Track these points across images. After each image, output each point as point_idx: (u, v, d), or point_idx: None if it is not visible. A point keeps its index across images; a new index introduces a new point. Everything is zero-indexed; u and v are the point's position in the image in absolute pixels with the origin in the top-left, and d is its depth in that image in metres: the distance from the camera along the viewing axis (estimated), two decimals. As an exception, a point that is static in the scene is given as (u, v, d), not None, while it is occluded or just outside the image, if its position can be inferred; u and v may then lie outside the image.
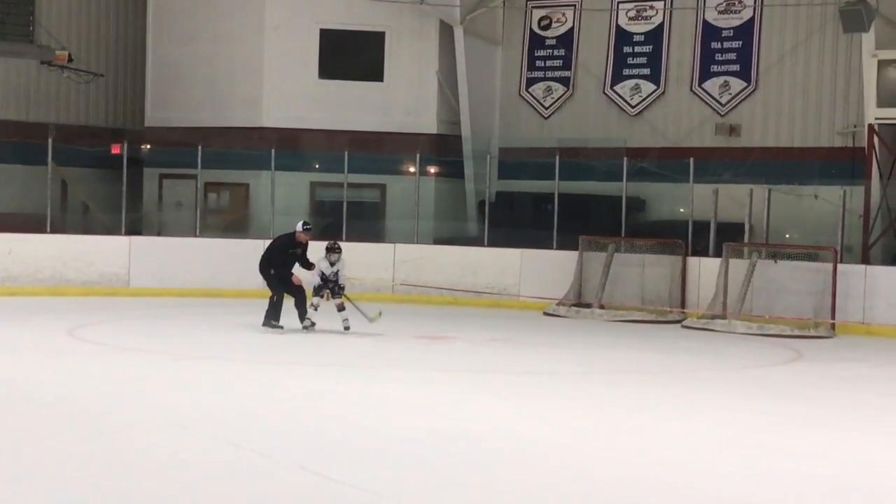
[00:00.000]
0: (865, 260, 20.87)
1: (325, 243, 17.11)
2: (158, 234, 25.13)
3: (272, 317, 16.74)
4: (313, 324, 16.78)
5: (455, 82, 25.91)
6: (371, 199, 25.98)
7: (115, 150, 24.07)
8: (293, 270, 17.03)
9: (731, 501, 7.78)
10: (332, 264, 16.68)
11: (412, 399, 11.68)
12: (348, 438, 9.48)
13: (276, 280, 16.94)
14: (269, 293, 17.04)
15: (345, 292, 16.76)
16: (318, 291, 16.75)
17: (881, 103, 21.19)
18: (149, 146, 26.12)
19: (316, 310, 16.77)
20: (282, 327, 16.65)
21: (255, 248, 21.33)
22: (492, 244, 23.13)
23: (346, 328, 16.63)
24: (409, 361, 14.73)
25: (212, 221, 25.38)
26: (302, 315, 16.86)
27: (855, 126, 22.55)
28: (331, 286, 16.67)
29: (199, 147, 23.75)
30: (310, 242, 17.28)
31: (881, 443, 10.19)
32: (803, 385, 13.89)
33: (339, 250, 16.77)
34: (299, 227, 17.10)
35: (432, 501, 7.50)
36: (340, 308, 16.71)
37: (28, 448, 8.86)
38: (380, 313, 16.48)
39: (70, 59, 25.05)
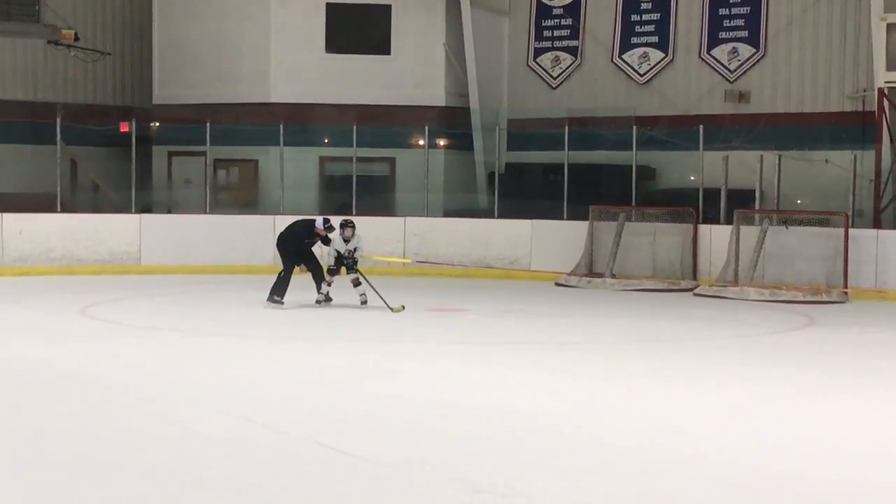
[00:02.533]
0: (877, 224, 20.82)
1: (337, 219, 17.11)
2: (169, 211, 25.14)
3: (276, 292, 16.74)
4: (329, 299, 16.81)
5: (462, 54, 25.85)
6: (380, 173, 25.98)
7: (124, 128, 24.05)
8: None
9: (745, 468, 7.77)
10: (346, 241, 16.67)
11: (425, 372, 11.69)
12: (362, 412, 9.49)
13: (288, 257, 16.95)
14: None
15: (359, 271, 16.73)
16: (333, 272, 16.77)
17: (890, 67, 21.11)
18: (157, 124, 26.13)
19: (330, 285, 16.79)
20: (282, 303, 16.64)
21: (265, 225, 21.45)
22: (502, 216, 23.10)
23: (363, 303, 16.62)
24: (421, 334, 14.73)
25: (221, 198, 25.40)
26: (319, 288, 16.92)
27: (864, 90, 22.46)
28: (346, 262, 16.67)
29: (208, 124, 23.75)
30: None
31: (894, 407, 10.17)
32: (816, 351, 13.87)
33: (352, 226, 16.76)
34: (320, 223, 17.01)
35: (447, 474, 7.51)
36: (356, 283, 16.70)
37: (42, 425, 8.89)
38: (403, 307, 16.39)
39: (76, 38, 25.00)
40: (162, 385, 10.75)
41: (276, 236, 17.63)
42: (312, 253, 17.09)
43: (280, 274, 16.89)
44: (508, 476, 7.46)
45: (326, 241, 17.02)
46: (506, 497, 6.97)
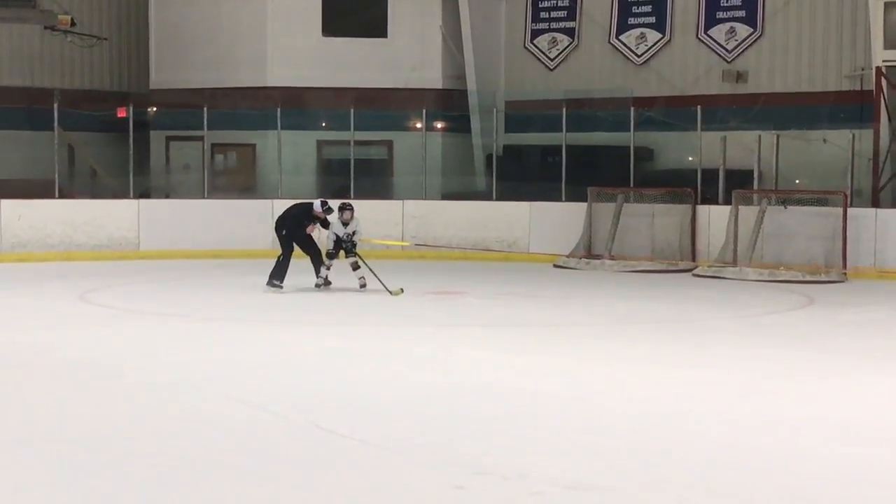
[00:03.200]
0: (875, 203, 20.81)
1: (336, 202, 17.10)
2: (167, 196, 25.15)
3: (275, 276, 16.74)
4: (328, 283, 16.82)
5: (459, 36, 25.81)
6: (378, 157, 25.97)
7: (121, 113, 24.02)
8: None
9: (746, 448, 7.78)
10: (345, 224, 16.67)
11: (424, 355, 11.69)
12: (360, 395, 9.50)
13: (287, 241, 16.95)
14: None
15: (357, 254, 16.74)
16: (332, 256, 16.77)
17: (888, 45, 21.06)
18: (154, 109, 26.10)
19: (328, 269, 16.80)
20: (281, 287, 16.64)
21: (263, 209, 21.45)
22: (500, 198, 23.09)
23: (363, 286, 16.63)
24: (420, 317, 14.74)
25: (219, 183, 25.39)
26: (318, 272, 16.94)
27: (863, 69, 22.40)
28: (345, 245, 16.67)
29: (205, 108, 23.73)
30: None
31: (893, 386, 10.18)
32: (816, 331, 13.88)
33: (351, 209, 16.76)
34: (318, 205, 17.00)
35: (447, 456, 7.52)
36: (355, 267, 16.70)
37: (43, 410, 8.90)
38: (402, 290, 16.38)
39: (73, 24, 24.96)
40: (161, 369, 10.76)
41: (275, 220, 17.62)
42: (311, 237, 17.09)
43: (279, 258, 16.89)
44: (509, 458, 7.47)
45: (325, 224, 17.02)
46: (507, 479, 6.98)
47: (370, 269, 16.51)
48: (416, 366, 11.02)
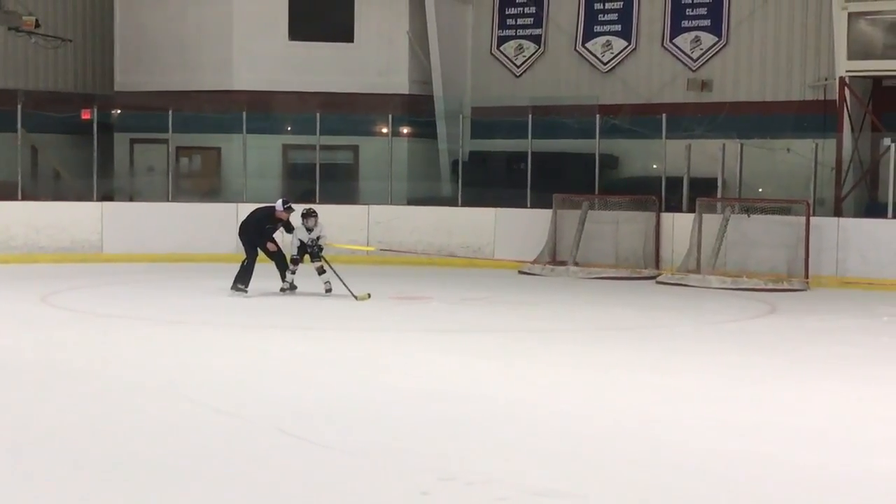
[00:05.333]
0: (838, 212, 20.95)
1: (300, 208, 17.09)
2: (131, 199, 25.02)
3: (240, 281, 16.71)
4: (294, 287, 16.81)
5: (426, 42, 25.83)
6: (344, 161, 25.93)
7: (85, 115, 23.87)
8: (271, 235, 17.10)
9: (710, 454, 7.82)
10: (309, 230, 16.66)
11: (389, 360, 11.69)
12: (325, 400, 9.49)
13: (251, 245, 16.94)
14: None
15: (323, 258, 16.74)
16: (296, 261, 16.77)
17: (851, 56, 21.22)
18: (119, 111, 25.96)
19: (293, 273, 16.79)
20: (246, 292, 16.61)
21: (228, 212, 21.37)
22: (466, 204, 23.11)
23: (328, 291, 16.62)
24: (385, 322, 14.72)
25: (184, 186, 25.29)
26: (283, 276, 16.95)
27: (826, 79, 22.57)
28: (309, 250, 16.68)
29: (170, 111, 23.64)
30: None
31: (856, 394, 10.25)
32: (778, 338, 13.96)
33: (315, 215, 16.75)
34: (279, 205, 17.01)
35: (410, 462, 7.52)
36: (320, 271, 16.70)
37: (5, 415, 8.84)
38: (368, 295, 16.36)
39: (37, 25, 24.77)
40: (124, 372, 10.70)
41: (239, 225, 17.59)
42: (275, 240, 17.07)
43: (243, 263, 16.86)
44: (474, 463, 7.48)
45: (289, 228, 17.01)
46: (472, 484, 6.99)
47: (336, 274, 16.49)
48: (381, 371, 11.01)
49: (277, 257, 17.04)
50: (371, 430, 8.42)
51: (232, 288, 16.69)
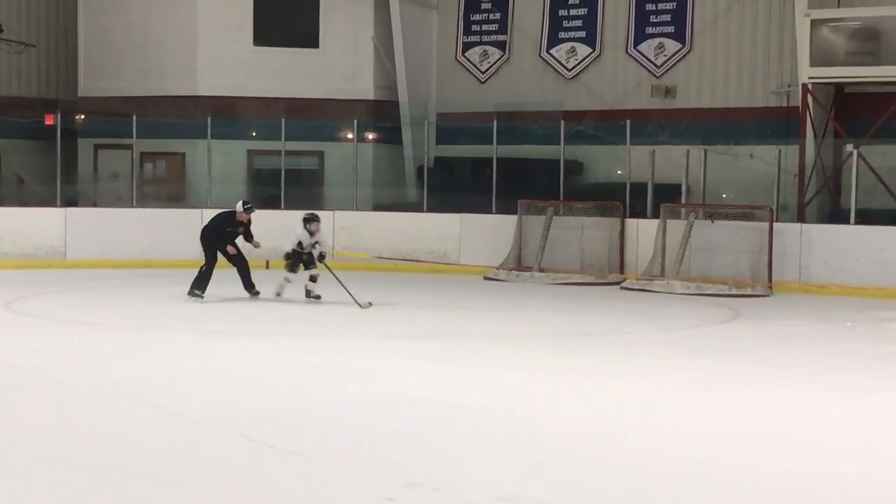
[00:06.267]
0: (801, 218, 21.08)
1: (268, 212, 17.07)
2: (94, 205, 24.89)
3: (197, 286, 16.66)
4: (279, 294, 16.75)
5: (391, 48, 25.85)
6: (309, 167, 25.91)
7: (49, 120, 23.74)
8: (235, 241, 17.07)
9: (674, 460, 7.86)
10: (311, 234, 16.56)
11: (353, 366, 11.68)
12: (289, 406, 9.47)
13: (210, 251, 16.91)
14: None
15: (326, 266, 16.64)
16: (293, 267, 16.61)
17: (814, 63, 21.37)
18: (83, 116, 25.85)
19: (289, 282, 16.67)
20: (202, 298, 16.57)
21: (192, 218, 21.30)
22: (431, 209, 23.13)
23: (316, 298, 16.49)
24: (349, 328, 14.71)
25: (148, 192, 25.19)
26: (246, 284, 16.90)
27: (789, 86, 22.74)
28: (305, 257, 16.56)
29: (134, 116, 23.55)
30: (257, 214, 17.28)
31: (819, 399, 10.32)
32: (742, 344, 14.03)
33: (318, 220, 16.66)
34: (239, 206, 17.02)
35: (374, 469, 7.52)
36: (314, 279, 16.59)
37: (-33, 423, 8.79)
38: (370, 303, 16.30)
39: (1, 30, 24.65)
40: (87, 379, 10.66)
41: (201, 230, 17.55)
42: (236, 244, 16.99)
43: (201, 268, 16.81)
44: (439, 469, 7.49)
45: (248, 235, 16.98)
46: (436, 490, 7.00)
47: (340, 282, 16.38)
48: (346, 377, 11.01)
49: (238, 262, 17.00)
50: (335, 437, 8.41)
51: (188, 294, 16.64)
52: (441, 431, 8.64)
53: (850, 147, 20.76)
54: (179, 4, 25.68)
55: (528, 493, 7.00)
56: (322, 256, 16.65)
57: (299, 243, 16.59)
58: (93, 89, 26.16)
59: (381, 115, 25.91)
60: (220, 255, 16.96)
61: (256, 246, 17.10)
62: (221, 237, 16.94)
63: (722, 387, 10.81)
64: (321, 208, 23.31)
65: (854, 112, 21.98)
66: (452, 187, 23.69)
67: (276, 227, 18.54)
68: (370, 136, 25.81)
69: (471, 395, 10.17)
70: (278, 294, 16.83)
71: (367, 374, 11.24)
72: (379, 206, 24.35)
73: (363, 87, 26.08)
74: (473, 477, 7.31)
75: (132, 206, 23.28)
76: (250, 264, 17.29)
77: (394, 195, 25.45)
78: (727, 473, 7.56)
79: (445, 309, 16.81)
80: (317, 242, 16.65)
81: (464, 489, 7.02)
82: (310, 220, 16.68)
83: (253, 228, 17.22)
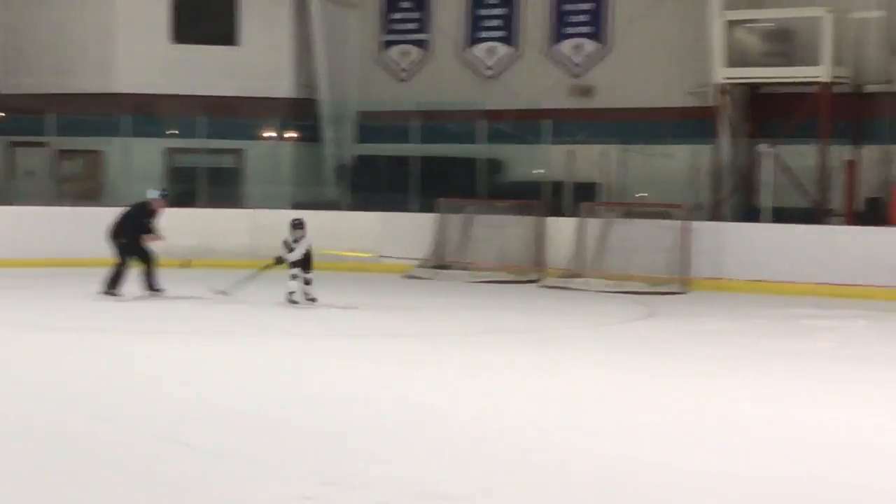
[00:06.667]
0: (716, 217, 21.38)
1: (180, 209, 16.93)
2: (10, 203, 24.56)
3: (112, 285, 16.52)
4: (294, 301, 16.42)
5: (311, 46, 25.80)
6: (229, 165, 25.78)
7: (-36, 118, 23.45)
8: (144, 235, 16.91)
9: (591, 456, 7.95)
10: (295, 241, 16.32)
11: (274, 364, 11.68)
12: (206, 405, 9.45)
13: (124, 248, 16.74)
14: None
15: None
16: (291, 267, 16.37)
17: (729, 63, 21.68)
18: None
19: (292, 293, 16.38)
20: (120, 296, 16.44)
21: (110, 217, 21.04)
22: (352, 208, 23.14)
23: (293, 301, 16.32)
24: (270, 327, 14.69)
25: (66, 189, 24.93)
26: (149, 282, 16.74)
27: (705, 86, 22.96)
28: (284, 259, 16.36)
29: (51, 114, 23.29)
30: (174, 212, 17.15)
31: (735, 396, 10.48)
32: (658, 341, 14.21)
33: (301, 226, 16.41)
34: (155, 194, 16.89)
35: (293, 467, 7.54)
36: (295, 278, 16.39)
37: None
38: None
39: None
40: (5, 380, 10.56)
41: (110, 228, 17.19)
42: (144, 240, 16.78)
43: (115, 266, 16.65)
44: (358, 468, 7.52)
45: (155, 233, 16.72)
46: (354, 489, 7.03)
47: (246, 279, 16.28)
48: (266, 376, 11.01)
49: (147, 256, 16.79)
50: (253, 435, 8.42)
51: (103, 292, 16.47)
52: (361, 429, 8.67)
53: (764, 147, 21.10)
54: (97, 1, 25.44)
55: (446, 490, 7.05)
56: (279, 260, 16.47)
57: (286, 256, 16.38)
58: (8, 86, 25.81)
59: (301, 114, 25.86)
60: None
61: (161, 239, 16.85)
62: (137, 228, 16.74)
63: (639, 383, 10.95)
64: (241, 207, 23.33)
65: (768, 112, 22.30)
66: (373, 186, 23.70)
67: (194, 226, 18.45)
68: (290, 134, 25.75)
69: (390, 393, 10.22)
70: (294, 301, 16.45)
71: (287, 372, 11.24)
72: (299, 205, 24.22)
73: (283, 85, 26.00)
74: (392, 475, 7.36)
75: (49, 205, 23.00)
76: (170, 263, 17.16)
77: (314, 194, 25.40)
78: (648, 472, 7.66)
79: (366, 308, 16.83)
80: (297, 241, 16.41)
81: (382, 487, 7.06)
82: (296, 227, 16.48)
83: (171, 227, 17.08)
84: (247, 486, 7.12)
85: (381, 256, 21.26)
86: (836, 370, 12.02)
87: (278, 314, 15.82)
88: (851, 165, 21.28)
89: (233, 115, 25.08)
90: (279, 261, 16.53)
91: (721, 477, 7.50)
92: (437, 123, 24.16)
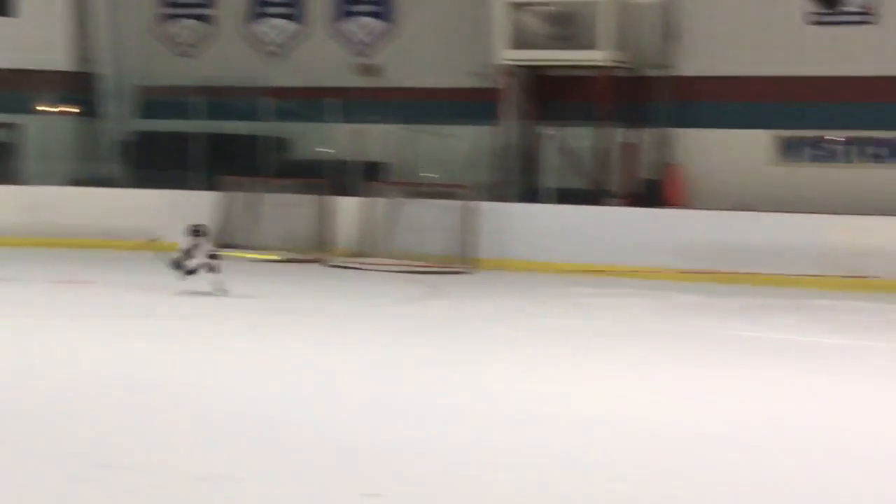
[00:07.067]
0: (499, 197, 21.67)
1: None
2: None
3: None
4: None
5: (92, 17, 25.13)
6: (3, 140, 24.93)
7: None
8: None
9: (368, 434, 7.97)
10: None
11: (54, 347, 11.35)
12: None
13: None
14: None
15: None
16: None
17: (513, 45, 21.98)
18: None
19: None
20: None
21: None
22: (134, 185, 22.67)
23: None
24: (48, 307, 14.30)
25: None
26: None
27: (490, 67, 23.18)
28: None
29: None
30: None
31: (518, 372, 10.63)
32: (443, 320, 14.36)
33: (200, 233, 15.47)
34: None
35: (65, 449, 7.34)
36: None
37: None
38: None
39: None
40: None
41: None
42: None
43: None
44: (134, 450, 7.36)
45: None
46: (130, 471, 6.87)
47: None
48: (46, 359, 10.69)
49: None
50: (26, 419, 8.17)
51: None
52: (139, 410, 8.51)
53: (546, 129, 21.50)
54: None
55: (224, 471, 6.96)
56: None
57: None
58: None
59: (80, 88, 25.18)
60: None
61: None
62: None
63: (425, 363, 11.03)
64: (17, 183, 22.60)
65: (551, 94, 22.68)
66: (157, 163, 23.26)
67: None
68: (69, 108, 25.04)
69: (170, 373, 10.06)
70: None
71: (67, 355, 10.96)
72: (80, 182, 23.65)
73: (62, 58, 25.26)
74: (167, 457, 7.23)
75: None
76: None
77: (96, 170, 24.78)
78: (429, 446, 7.70)
79: (147, 287, 16.51)
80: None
81: (157, 469, 6.93)
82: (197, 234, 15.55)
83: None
84: (12, 470, 6.88)
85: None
86: (613, 347, 12.32)
87: (43, 293, 15.38)
88: (630, 148, 21.86)
89: (9, 88, 24.25)
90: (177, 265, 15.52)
91: (508, 454, 7.59)
92: (221, 100, 23.83)
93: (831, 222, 19.13)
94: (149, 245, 15.09)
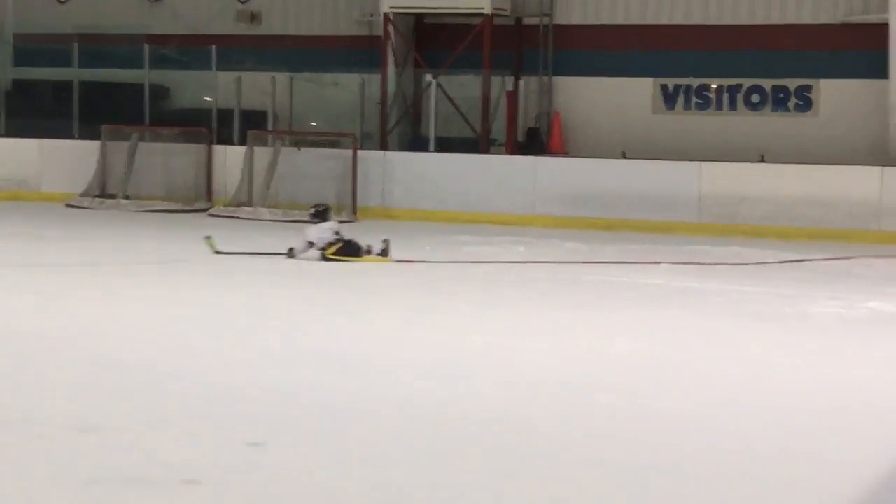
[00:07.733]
0: (384, 146, 21.69)
1: None
2: None
3: None
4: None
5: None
6: None
7: None
8: None
9: (245, 382, 7.97)
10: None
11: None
12: None
13: None
14: None
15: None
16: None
17: (390, -8, 21.87)
18: None
19: None
20: None
21: None
22: (9, 134, 22.23)
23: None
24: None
25: None
26: None
27: (372, 15, 23.05)
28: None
29: None
30: None
31: (389, 322, 10.71)
32: (324, 269, 14.28)
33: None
34: None
35: None
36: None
37: None
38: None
39: None
40: None
41: None
42: None
43: None
44: (11, 401, 7.28)
45: None
46: (8, 424, 6.80)
47: None
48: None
49: None
50: None
51: None
52: (18, 361, 8.41)
53: (429, 77, 21.51)
54: None
55: (104, 422, 6.90)
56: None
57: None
58: None
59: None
60: None
61: None
62: None
63: (299, 311, 11.05)
64: None
65: (434, 43, 22.66)
66: (31, 112, 22.82)
67: None
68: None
69: (50, 324, 9.94)
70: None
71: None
72: (-50, 132, 23.13)
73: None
74: (48, 407, 7.15)
75: None
76: None
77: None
78: (305, 392, 7.73)
79: (25, 238, 16.24)
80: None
81: (38, 421, 6.86)
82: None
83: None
84: None
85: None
86: (492, 295, 12.41)
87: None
88: (512, 96, 21.94)
89: None
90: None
91: (373, 402, 7.65)
92: (99, 47, 23.39)
93: (708, 169, 19.46)
94: (207, 242, 14.77)
